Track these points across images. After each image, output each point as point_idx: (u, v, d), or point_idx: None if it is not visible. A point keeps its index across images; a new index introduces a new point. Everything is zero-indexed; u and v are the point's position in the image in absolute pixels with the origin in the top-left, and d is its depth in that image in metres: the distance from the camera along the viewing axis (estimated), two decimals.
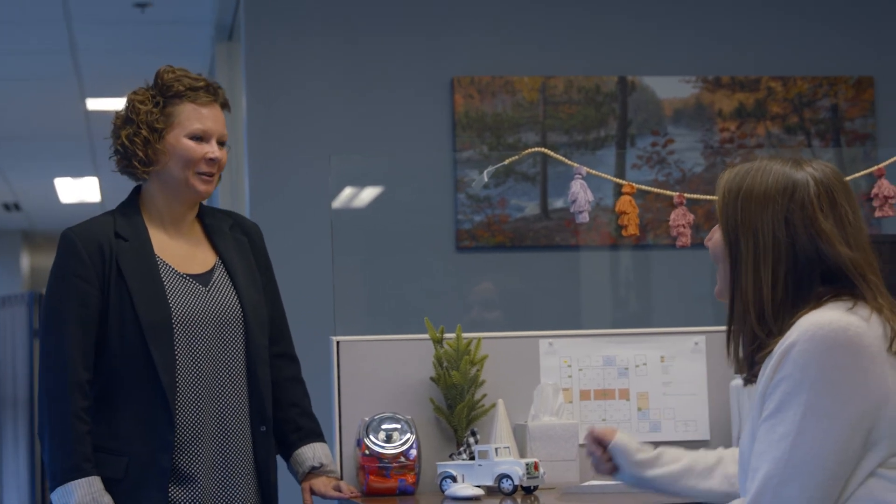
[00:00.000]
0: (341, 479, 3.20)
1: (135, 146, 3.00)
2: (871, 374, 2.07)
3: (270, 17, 5.55)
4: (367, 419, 3.23)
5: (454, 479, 3.11)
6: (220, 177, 3.08)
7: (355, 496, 3.07)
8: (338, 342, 3.36)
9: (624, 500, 2.88)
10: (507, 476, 3.08)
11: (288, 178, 5.47)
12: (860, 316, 2.11)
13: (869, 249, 2.21)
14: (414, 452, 3.18)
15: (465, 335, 3.33)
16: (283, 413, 3.13)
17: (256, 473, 3.03)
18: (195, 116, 3.01)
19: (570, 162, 3.34)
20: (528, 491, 3.13)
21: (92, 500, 2.86)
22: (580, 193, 3.27)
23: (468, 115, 5.51)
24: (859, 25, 5.82)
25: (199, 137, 3.02)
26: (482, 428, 3.32)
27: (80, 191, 11.64)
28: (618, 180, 3.41)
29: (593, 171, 3.36)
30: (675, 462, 2.64)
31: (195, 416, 2.94)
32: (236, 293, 3.04)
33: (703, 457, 2.67)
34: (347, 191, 5.48)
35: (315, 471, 3.12)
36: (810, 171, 2.21)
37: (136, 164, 3.01)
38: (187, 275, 3.02)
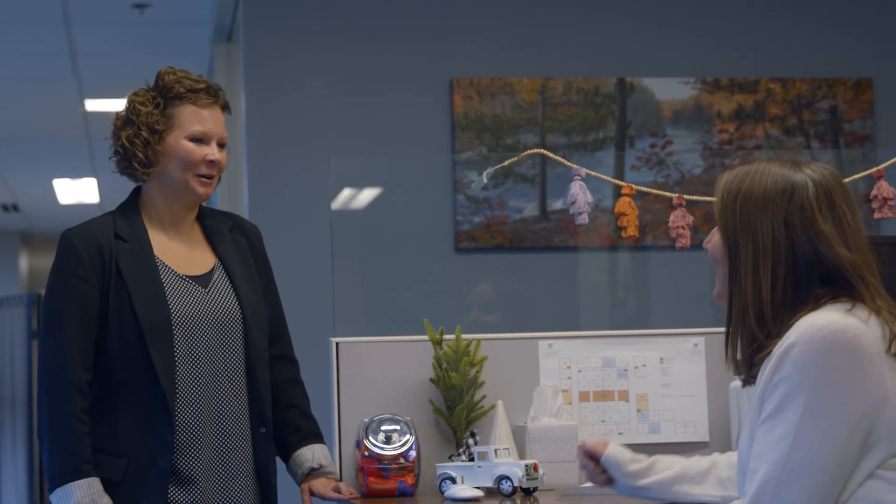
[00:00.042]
0: (341, 480, 3.20)
1: (135, 147, 3.00)
2: (870, 375, 2.07)
3: (270, 19, 5.55)
4: (366, 420, 3.23)
5: (453, 481, 3.11)
6: (219, 178, 3.08)
7: (354, 497, 3.07)
8: (337, 343, 3.36)
9: (623, 501, 2.88)
10: (507, 477, 3.08)
11: (287, 180, 5.47)
12: (859, 317, 2.12)
13: (868, 251, 2.21)
14: (413, 454, 3.18)
15: (464, 336, 3.33)
16: (282, 414, 3.13)
17: (256, 475, 3.03)
18: (195, 118, 3.02)
19: (569, 163, 3.34)
20: (528, 492, 3.13)
21: (91, 501, 2.86)
22: (579, 195, 3.27)
23: (467, 117, 5.51)
24: (858, 27, 5.82)
25: (200, 139, 3.02)
26: (481, 429, 3.32)
27: (78, 192, 11.64)
28: (617, 182, 3.41)
29: (592, 173, 3.36)
30: (667, 469, 2.67)
31: (195, 418, 2.94)
32: (235, 295, 3.04)
33: (696, 462, 2.69)
34: (346, 192, 5.48)
35: (314, 472, 3.12)
36: (809, 172, 2.22)
37: (135, 165, 3.01)
38: (187, 276, 3.02)
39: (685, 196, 3.33)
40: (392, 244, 5.35)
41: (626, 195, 3.33)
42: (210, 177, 3.03)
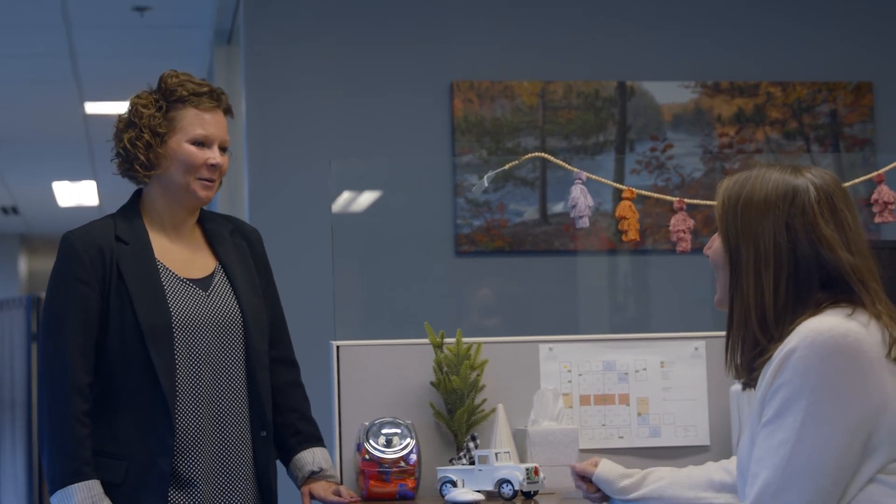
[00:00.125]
0: (341, 483, 3.19)
1: (136, 150, 3.00)
2: (871, 380, 2.07)
3: (270, 21, 5.55)
4: (366, 424, 3.22)
5: (454, 484, 3.11)
6: (220, 182, 3.08)
7: (355, 501, 3.07)
8: (338, 346, 3.36)
9: None
10: (508, 481, 3.08)
11: (287, 182, 5.47)
12: (859, 322, 2.12)
13: (869, 255, 2.21)
14: (414, 457, 3.18)
15: (464, 340, 3.33)
16: (282, 418, 3.12)
17: (256, 478, 3.03)
18: (198, 122, 3.01)
19: (570, 167, 3.34)
20: (529, 496, 3.13)
21: (92, 503, 2.86)
22: (580, 198, 3.27)
23: (467, 120, 5.51)
24: (858, 31, 5.83)
25: (201, 143, 3.02)
26: (482, 433, 3.32)
27: (78, 194, 11.65)
28: (618, 185, 3.41)
29: (593, 177, 3.36)
30: (660, 479, 2.71)
31: (195, 421, 2.94)
32: (236, 298, 3.04)
33: (689, 469, 2.71)
34: (347, 194, 5.48)
35: (315, 475, 3.11)
36: (810, 177, 2.22)
37: (137, 167, 3.01)
38: (187, 279, 3.02)
39: (686, 200, 3.33)
40: (392, 247, 5.35)
41: (627, 199, 3.33)
42: (211, 180, 3.03)
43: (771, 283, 2.18)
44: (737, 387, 3.32)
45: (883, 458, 2.07)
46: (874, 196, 3.34)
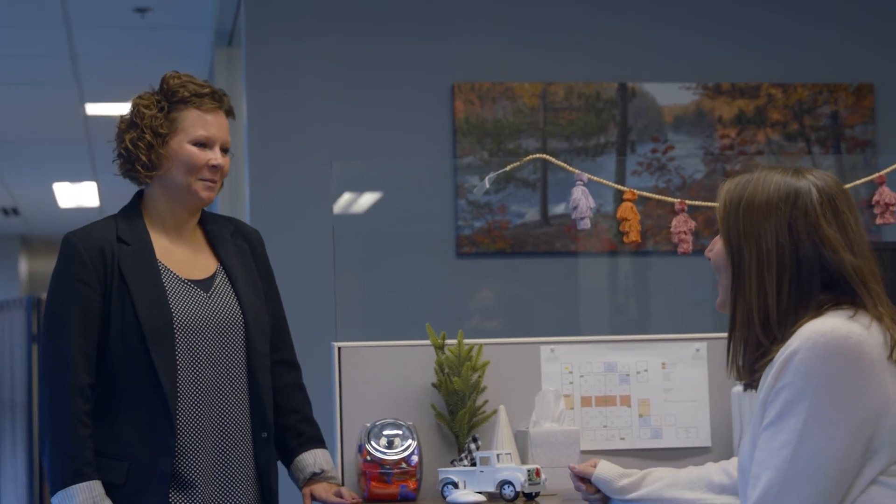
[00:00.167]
0: (342, 485, 3.19)
1: (138, 150, 3.00)
2: (873, 382, 2.07)
3: (271, 23, 5.55)
4: (368, 425, 3.22)
5: (456, 486, 3.11)
6: (222, 183, 3.08)
7: (356, 502, 3.07)
8: (339, 348, 3.36)
9: None
10: (509, 482, 3.08)
11: (288, 184, 5.47)
12: (861, 324, 2.12)
13: (871, 257, 2.21)
14: (415, 458, 3.18)
15: (466, 341, 3.33)
16: (283, 419, 3.12)
17: (257, 480, 3.03)
18: (199, 123, 3.02)
19: (571, 168, 3.34)
20: (530, 497, 3.13)
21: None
22: (582, 200, 3.27)
23: (468, 121, 5.51)
24: (859, 32, 5.83)
25: (203, 144, 3.02)
26: (483, 434, 3.32)
27: (78, 195, 11.64)
28: (619, 187, 3.41)
29: (594, 178, 3.36)
30: (659, 480, 2.72)
31: (196, 422, 2.94)
32: (237, 299, 3.04)
33: (689, 470, 2.72)
34: (348, 196, 5.48)
35: (316, 477, 3.11)
36: (812, 179, 2.22)
37: (138, 168, 3.01)
38: (189, 280, 3.02)
39: (687, 201, 3.33)
40: (393, 248, 5.35)
41: (629, 200, 3.33)
42: (213, 181, 3.03)
43: (773, 285, 2.18)
44: (738, 388, 3.32)
45: (885, 460, 2.07)
46: (875, 198, 3.34)
